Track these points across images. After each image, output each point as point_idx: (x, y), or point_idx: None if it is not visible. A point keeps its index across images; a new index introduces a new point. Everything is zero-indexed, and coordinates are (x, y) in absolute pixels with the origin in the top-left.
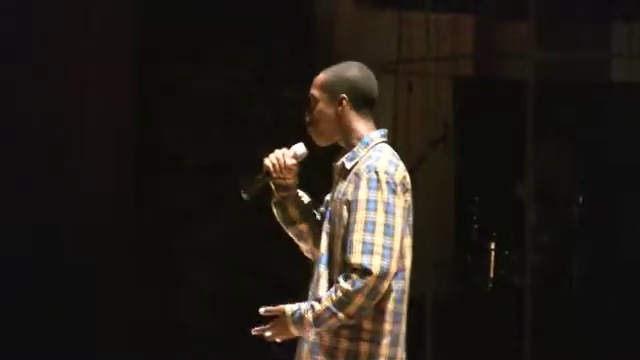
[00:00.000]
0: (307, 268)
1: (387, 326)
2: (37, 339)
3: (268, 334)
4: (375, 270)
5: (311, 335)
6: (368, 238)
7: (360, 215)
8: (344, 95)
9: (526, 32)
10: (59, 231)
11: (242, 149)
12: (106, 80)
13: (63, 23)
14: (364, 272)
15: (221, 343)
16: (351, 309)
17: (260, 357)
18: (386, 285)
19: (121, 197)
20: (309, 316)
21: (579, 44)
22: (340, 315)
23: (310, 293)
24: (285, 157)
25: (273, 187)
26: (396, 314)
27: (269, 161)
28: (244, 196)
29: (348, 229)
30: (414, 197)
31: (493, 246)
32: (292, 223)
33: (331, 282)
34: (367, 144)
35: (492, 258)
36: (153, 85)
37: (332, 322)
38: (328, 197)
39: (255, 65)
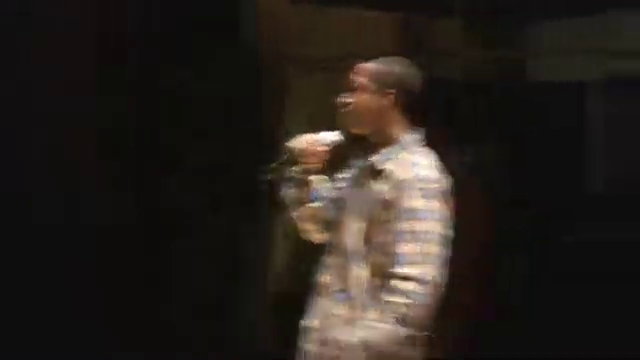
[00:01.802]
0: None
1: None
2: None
3: None
4: (429, 279)
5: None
6: (416, 248)
7: (409, 224)
8: (392, 90)
9: (454, 30)
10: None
11: None
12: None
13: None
14: (413, 282)
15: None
16: (412, 321)
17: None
18: (438, 293)
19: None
20: (375, 337)
21: (499, 42)
22: (402, 330)
23: (335, 286)
24: (316, 144)
25: (294, 168)
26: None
27: (299, 144)
28: (268, 175)
29: (396, 238)
30: None
31: None
32: (301, 203)
33: (372, 275)
34: (403, 147)
35: None
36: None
37: (398, 338)
38: (342, 182)
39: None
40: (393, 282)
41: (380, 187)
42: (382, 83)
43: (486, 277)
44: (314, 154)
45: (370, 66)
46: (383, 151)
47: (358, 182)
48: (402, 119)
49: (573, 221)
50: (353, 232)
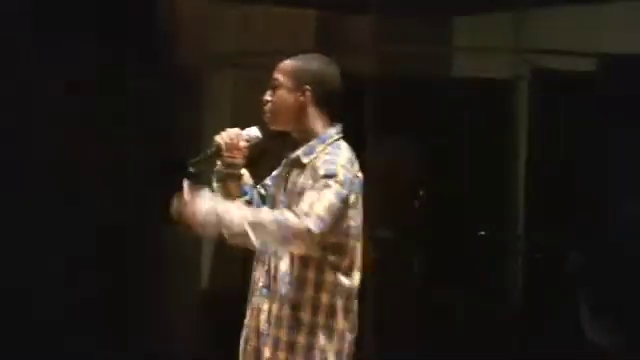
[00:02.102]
0: None
1: (340, 323)
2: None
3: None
4: (311, 223)
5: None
6: (316, 202)
7: (314, 192)
8: (308, 86)
9: (367, 26)
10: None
11: None
12: None
13: None
14: (304, 217)
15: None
16: (261, 229)
17: None
18: (306, 244)
19: None
20: (221, 212)
21: (419, 38)
22: (244, 224)
23: (264, 280)
24: (239, 138)
25: (219, 163)
26: (347, 311)
27: (221, 139)
28: (190, 169)
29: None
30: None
31: None
32: (231, 199)
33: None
34: (324, 140)
35: None
36: None
37: (242, 224)
38: (268, 181)
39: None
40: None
41: (303, 181)
42: (299, 80)
43: None
44: (237, 148)
45: (288, 63)
46: (305, 146)
47: (283, 178)
48: (321, 114)
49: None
50: None
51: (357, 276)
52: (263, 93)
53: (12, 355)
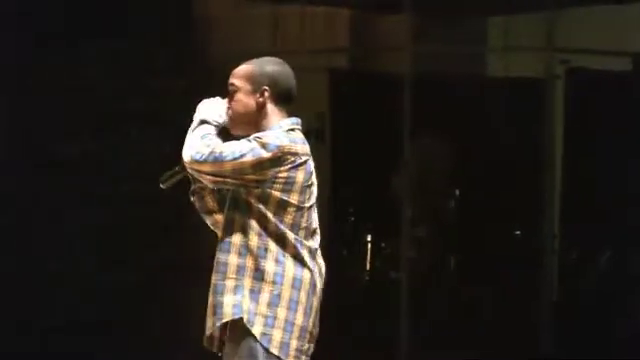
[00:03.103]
0: None
1: (264, 285)
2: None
3: None
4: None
5: None
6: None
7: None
8: (266, 87)
9: (403, 25)
10: None
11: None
12: None
13: None
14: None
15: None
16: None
17: None
18: (189, 165)
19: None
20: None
21: (456, 38)
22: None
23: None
24: None
25: (190, 177)
26: (271, 273)
27: None
28: (162, 185)
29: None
30: None
31: (369, 239)
32: (209, 212)
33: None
34: (276, 129)
35: (368, 251)
36: None
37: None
38: None
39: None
40: None
41: None
42: (254, 82)
43: None
44: None
45: (243, 68)
46: None
47: None
48: (279, 112)
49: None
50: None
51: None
52: (298, 92)
53: None
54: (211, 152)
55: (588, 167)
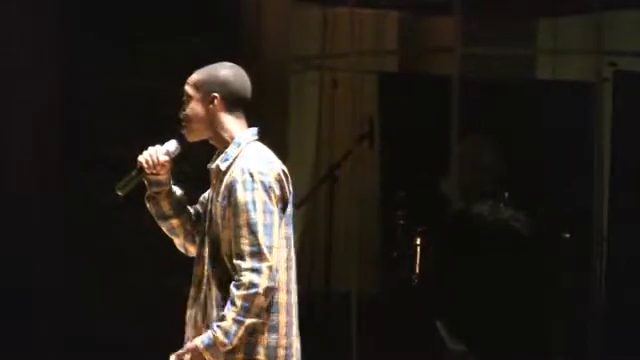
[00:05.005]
0: None
1: (282, 317)
2: None
3: None
4: (265, 270)
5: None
6: (253, 240)
7: (243, 219)
8: (216, 94)
9: (451, 27)
10: None
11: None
12: (33, 82)
13: None
14: (256, 273)
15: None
16: (254, 311)
17: None
18: (276, 280)
19: (50, 197)
20: (219, 335)
21: (504, 40)
22: (247, 321)
23: (199, 292)
24: (158, 154)
25: (146, 182)
26: (288, 305)
27: (142, 158)
28: (118, 192)
29: (234, 233)
30: (342, 194)
31: (419, 242)
32: (164, 218)
33: (219, 281)
34: (239, 144)
35: (418, 254)
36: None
37: (242, 331)
38: (205, 195)
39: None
40: (237, 276)
41: (223, 190)
42: (204, 89)
43: None
44: (160, 164)
45: (194, 76)
46: (222, 155)
47: (215, 190)
48: (234, 119)
49: None
50: (207, 239)
51: (293, 266)
52: (347, 94)
53: None
54: (268, 257)
55: (636, 170)
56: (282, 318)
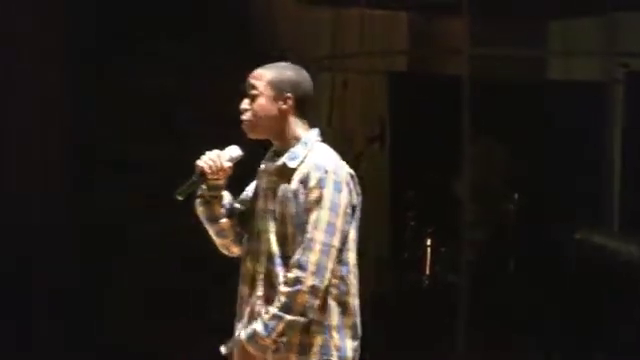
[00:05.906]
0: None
1: (348, 320)
2: None
3: None
4: (311, 267)
5: (270, 346)
6: (311, 236)
7: (313, 215)
8: (290, 94)
9: (461, 28)
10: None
11: (173, 148)
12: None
13: None
14: (302, 270)
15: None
16: (297, 308)
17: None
18: (325, 281)
19: (51, 197)
20: (258, 328)
21: (514, 41)
22: (287, 318)
23: (259, 292)
24: (221, 159)
25: (204, 187)
26: (354, 306)
27: (204, 163)
28: (178, 197)
29: (299, 229)
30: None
31: (429, 243)
32: (216, 220)
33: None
34: (306, 144)
35: (428, 255)
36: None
37: (281, 326)
38: (248, 194)
39: (189, 62)
40: (287, 272)
41: (293, 188)
42: (278, 88)
43: None
44: (222, 169)
45: (266, 72)
46: (290, 151)
47: (268, 187)
48: (299, 120)
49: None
50: (272, 238)
51: (354, 271)
52: (357, 95)
53: None
54: (320, 253)
55: None
56: (348, 320)
